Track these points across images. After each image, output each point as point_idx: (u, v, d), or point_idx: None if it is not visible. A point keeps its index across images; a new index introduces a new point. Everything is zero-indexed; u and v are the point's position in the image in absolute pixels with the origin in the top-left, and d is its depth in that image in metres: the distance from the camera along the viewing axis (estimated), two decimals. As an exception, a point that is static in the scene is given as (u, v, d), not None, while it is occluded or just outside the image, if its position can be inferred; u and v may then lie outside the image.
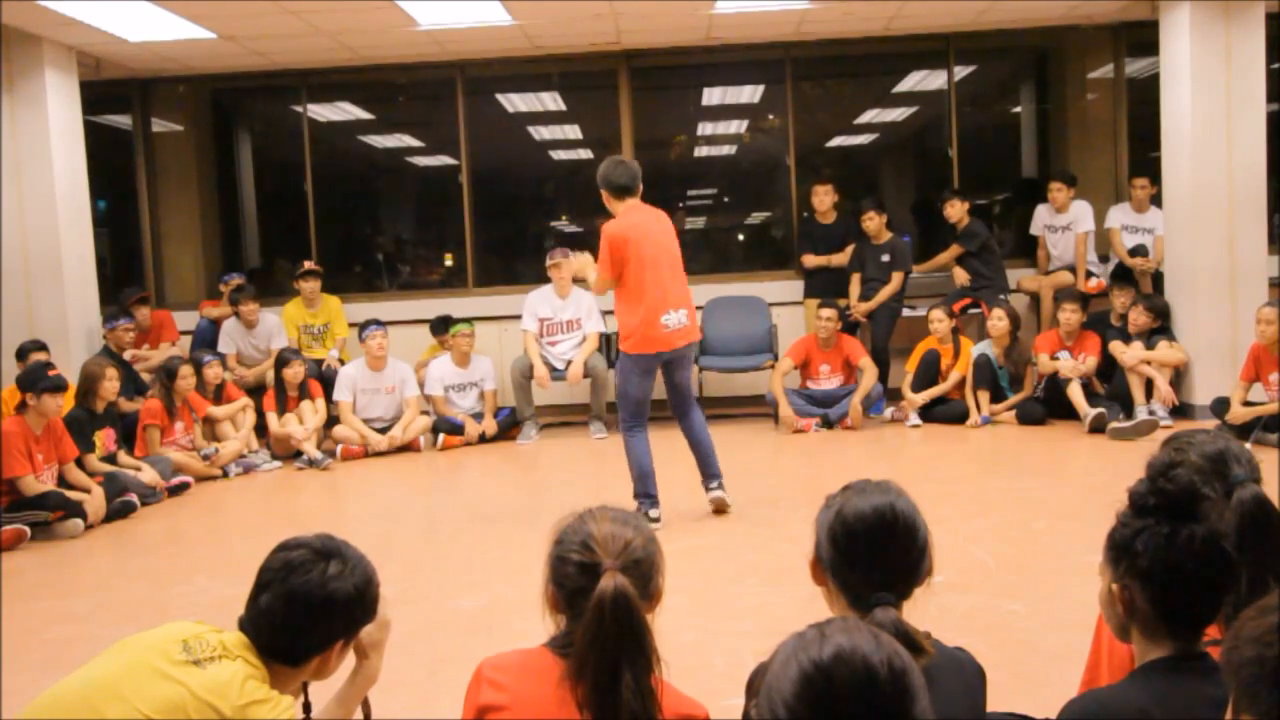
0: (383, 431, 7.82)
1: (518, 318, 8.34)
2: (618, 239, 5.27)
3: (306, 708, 2.09)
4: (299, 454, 7.51)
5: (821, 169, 9.64)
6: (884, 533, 1.82)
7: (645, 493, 5.30)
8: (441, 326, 8.37)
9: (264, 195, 10.27)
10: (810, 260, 8.50)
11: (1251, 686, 1.17)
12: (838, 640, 1.18)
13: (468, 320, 8.19)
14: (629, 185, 5.42)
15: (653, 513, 5.26)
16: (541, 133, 10.79)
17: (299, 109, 9.28)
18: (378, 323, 8.03)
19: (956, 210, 8.34)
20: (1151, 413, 7.17)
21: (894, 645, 1.20)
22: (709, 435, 5.53)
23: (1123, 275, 8.13)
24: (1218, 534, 1.64)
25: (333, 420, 8.00)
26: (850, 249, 8.44)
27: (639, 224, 5.34)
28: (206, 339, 8.42)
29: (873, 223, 8.25)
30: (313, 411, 7.74)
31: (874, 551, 1.82)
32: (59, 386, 5.90)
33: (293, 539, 2.03)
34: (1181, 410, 7.42)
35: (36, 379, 5.92)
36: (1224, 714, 1.25)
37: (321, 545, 2.00)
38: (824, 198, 8.52)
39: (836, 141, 10.73)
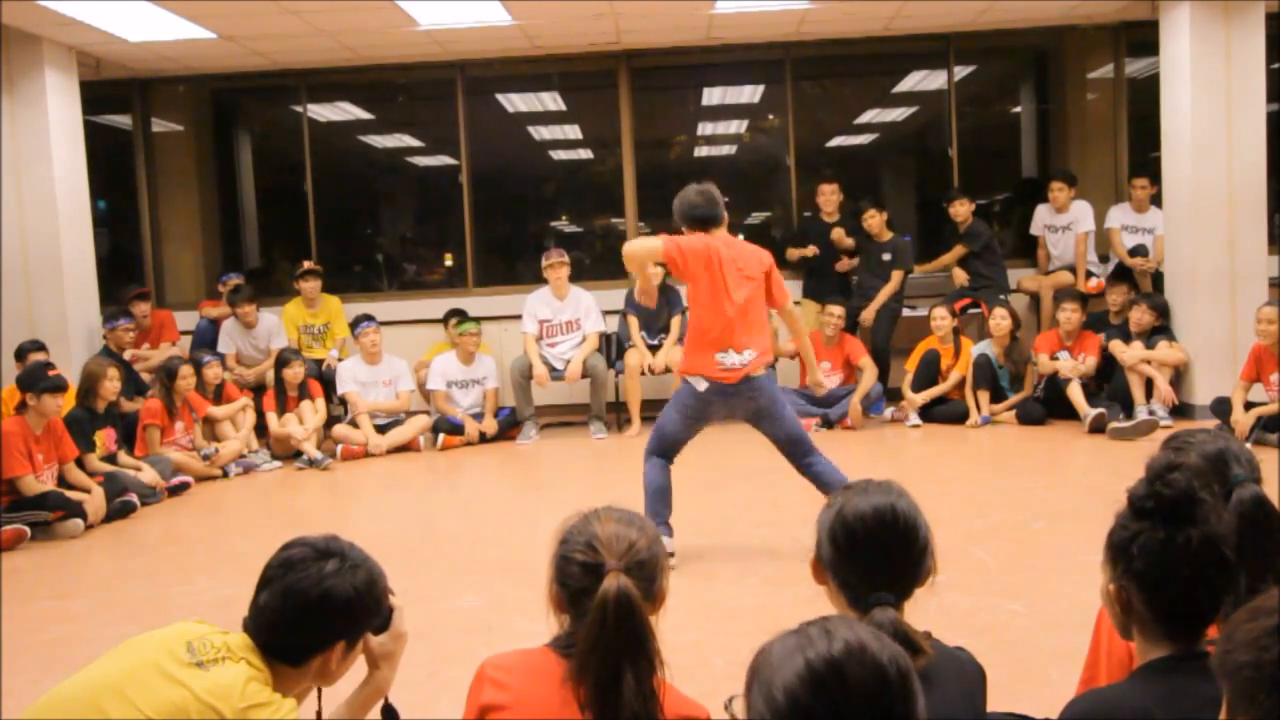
0: (381, 430, 7.83)
1: (518, 318, 8.35)
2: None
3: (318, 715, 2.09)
4: (299, 454, 7.51)
5: (821, 169, 9.64)
6: (884, 533, 1.82)
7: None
8: (455, 317, 8.34)
9: (264, 195, 10.28)
10: (792, 253, 8.48)
11: (1248, 690, 1.17)
12: (845, 636, 1.19)
13: (475, 320, 8.20)
14: (711, 216, 4.74)
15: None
16: (541, 133, 10.80)
17: (299, 109, 9.28)
18: (369, 318, 8.06)
19: (964, 210, 8.35)
20: (1151, 413, 7.17)
21: (896, 647, 1.21)
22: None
23: (1121, 274, 8.13)
24: (1215, 537, 1.64)
25: (333, 420, 8.01)
26: (856, 259, 8.45)
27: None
28: (206, 339, 8.42)
29: (874, 221, 8.25)
30: (313, 411, 7.74)
31: (874, 552, 1.82)
32: (59, 386, 5.90)
33: (298, 538, 2.03)
34: (1181, 410, 7.42)
35: (36, 379, 5.92)
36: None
37: (324, 545, 2.00)
38: (830, 196, 8.49)
39: (836, 141, 10.73)
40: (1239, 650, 1.19)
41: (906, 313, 8.41)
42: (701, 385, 4.67)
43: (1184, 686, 1.61)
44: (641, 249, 4.72)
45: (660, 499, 4.68)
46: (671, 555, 4.49)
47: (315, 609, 1.93)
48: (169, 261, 9.65)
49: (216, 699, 1.82)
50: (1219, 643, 1.24)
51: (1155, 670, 1.67)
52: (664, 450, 4.79)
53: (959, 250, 8.39)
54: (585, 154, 11.15)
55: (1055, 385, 7.56)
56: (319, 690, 2.09)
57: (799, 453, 4.72)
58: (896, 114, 10.72)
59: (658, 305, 8.29)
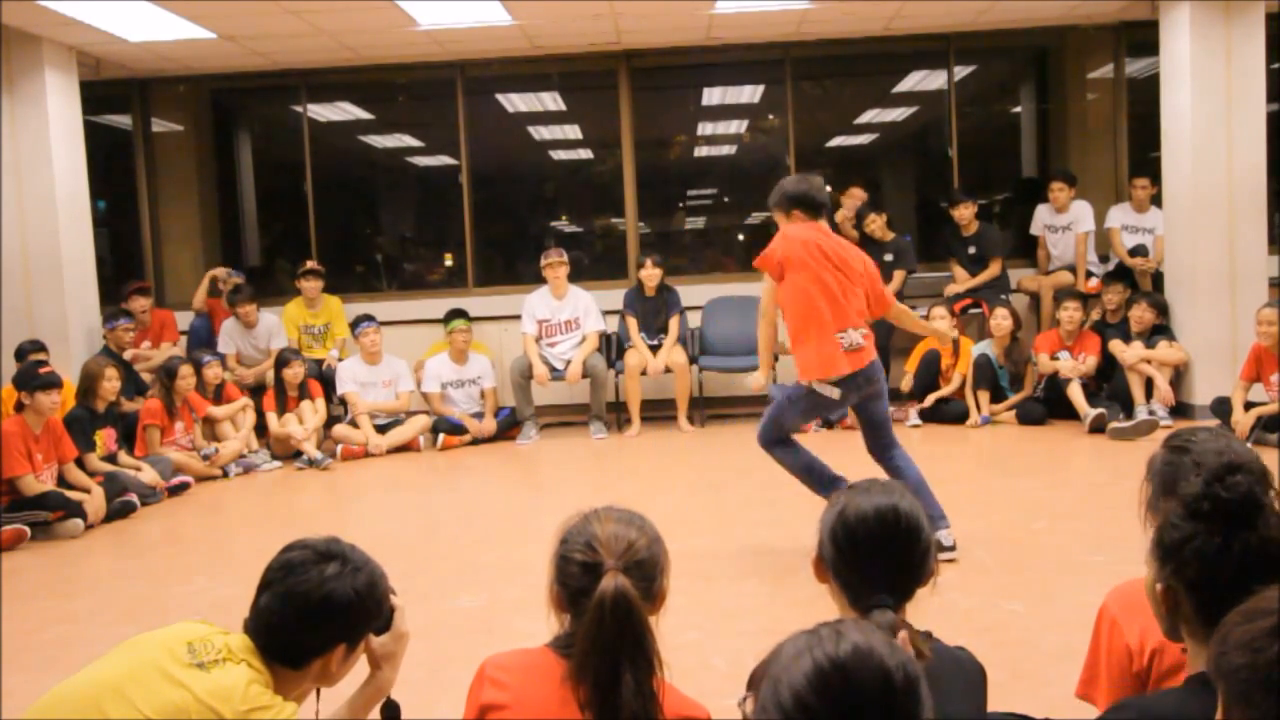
0: (381, 430, 7.83)
1: (517, 318, 8.35)
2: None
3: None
4: (299, 454, 7.51)
5: (823, 169, 9.62)
6: (885, 534, 1.82)
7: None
8: (454, 317, 8.35)
9: (264, 195, 10.27)
10: None
11: (1244, 692, 1.16)
12: (854, 639, 1.18)
13: (465, 316, 8.19)
14: (815, 203, 4.62)
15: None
16: (541, 133, 10.79)
17: (299, 109, 9.28)
18: (370, 318, 8.06)
19: (968, 212, 8.34)
20: (1151, 413, 7.17)
21: (906, 654, 1.20)
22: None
23: (1117, 274, 8.13)
24: (1273, 543, 1.58)
25: (333, 420, 8.01)
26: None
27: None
28: (202, 338, 8.42)
29: (875, 225, 8.26)
30: (313, 411, 7.74)
31: (874, 552, 1.82)
32: (51, 383, 5.90)
33: (299, 540, 2.02)
34: (1181, 410, 7.42)
35: (29, 377, 5.93)
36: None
37: (325, 547, 1.99)
38: (856, 200, 8.48)
39: (836, 141, 10.73)
40: (1234, 652, 1.19)
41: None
42: (835, 393, 4.50)
43: None
44: (767, 300, 4.70)
45: (817, 476, 4.64)
46: (945, 537, 4.42)
47: (315, 612, 1.93)
48: (169, 261, 9.64)
49: (217, 700, 1.82)
50: (1214, 644, 1.23)
51: (1209, 681, 1.63)
52: (783, 436, 4.69)
53: (999, 262, 8.31)
54: (585, 154, 11.14)
55: (1055, 385, 7.56)
56: (317, 691, 2.09)
57: (883, 440, 4.65)
58: (896, 114, 10.71)
59: (656, 305, 8.31)
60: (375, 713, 2.14)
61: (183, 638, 1.91)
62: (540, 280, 8.41)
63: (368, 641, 2.08)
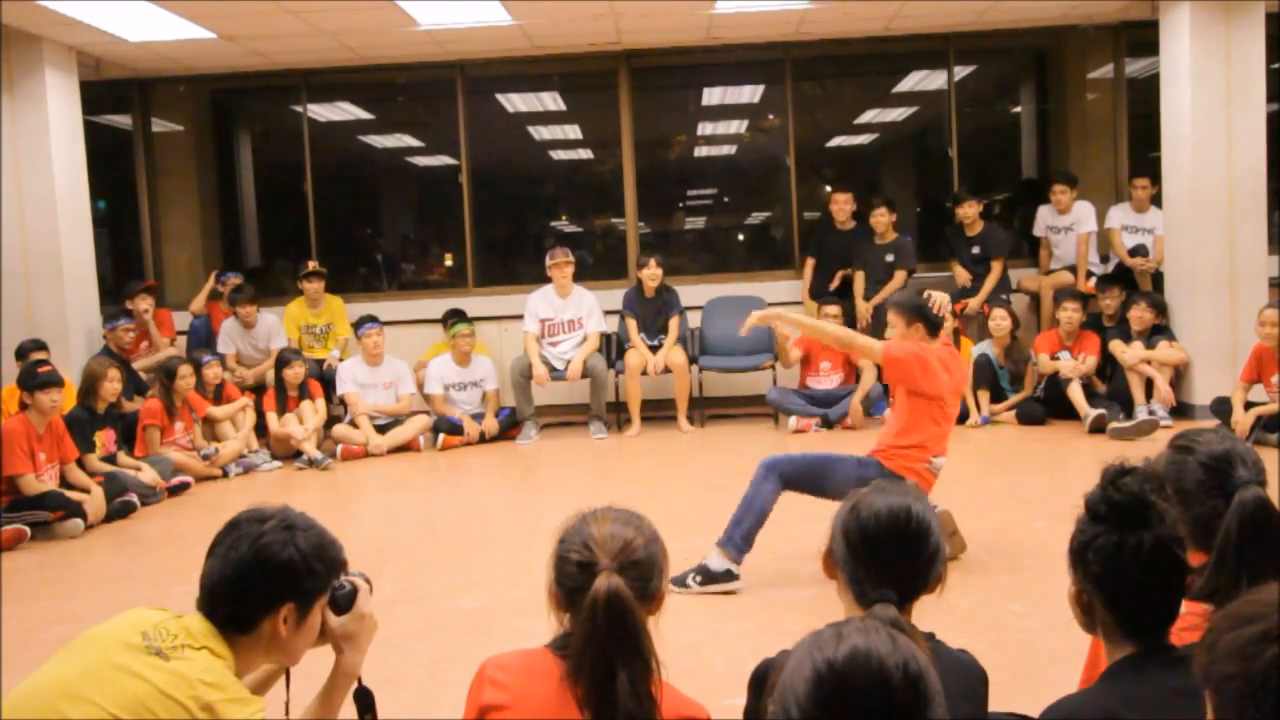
0: (381, 430, 7.83)
1: (518, 318, 8.35)
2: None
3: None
4: (299, 454, 7.50)
5: (823, 169, 9.62)
6: (895, 534, 1.84)
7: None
8: (453, 318, 8.35)
9: (264, 195, 10.28)
10: (807, 267, 8.55)
11: (1237, 701, 1.14)
12: (853, 641, 1.18)
13: (467, 320, 8.20)
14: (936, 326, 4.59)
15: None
16: (541, 133, 10.80)
17: (299, 109, 9.28)
18: (373, 319, 8.05)
19: (972, 211, 8.34)
20: (1151, 413, 7.17)
21: (911, 649, 1.18)
22: None
23: (1113, 278, 8.12)
24: (1167, 540, 1.67)
25: (333, 420, 8.01)
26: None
27: None
28: (202, 338, 8.42)
29: (880, 219, 8.24)
30: (313, 411, 7.74)
31: (883, 551, 1.83)
32: (49, 382, 5.89)
33: (245, 510, 2.04)
34: (1181, 410, 7.42)
35: (30, 376, 5.94)
36: (1189, 704, 1.24)
37: (269, 512, 2.01)
38: (844, 206, 8.50)
39: (836, 141, 10.73)
40: (1224, 660, 1.16)
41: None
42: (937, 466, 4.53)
43: (1147, 683, 1.64)
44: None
45: (758, 520, 4.30)
46: (737, 579, 4.21)
47: (253, 567, 1.93)
48: (169, 261, 9.65)
49: (180, 691, 1.78)
50: (1201, 652, 1.21)
51: (1120, 671, 1.69)
52: (795, 480, 4.40)
53: (1000, 262, 8.27)
54: (585, 154, 11.15)
55: (1055, 385, 7.56)
56: (286, 676, 2.08)
57: None
58: (896, 114, 10.72)
59: (656, 306, 8.30)
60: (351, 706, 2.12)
61: (136, 626, 1.88)
62: (543, 280, 8.41)
63: (327, 621, 2.06)
